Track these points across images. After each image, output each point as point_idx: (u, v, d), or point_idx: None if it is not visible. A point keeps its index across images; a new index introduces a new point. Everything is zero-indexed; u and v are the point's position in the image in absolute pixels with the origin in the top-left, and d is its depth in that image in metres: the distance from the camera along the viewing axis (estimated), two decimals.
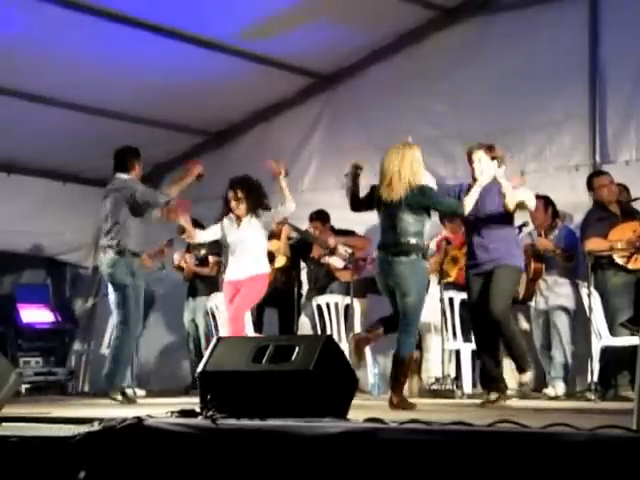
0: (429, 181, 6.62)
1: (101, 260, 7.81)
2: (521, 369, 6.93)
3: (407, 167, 6.47)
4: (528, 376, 7.03)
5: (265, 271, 7.85)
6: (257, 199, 7.76)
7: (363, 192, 6.84)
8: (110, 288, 7.80)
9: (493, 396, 6.79)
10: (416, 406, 6.40)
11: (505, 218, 6.81)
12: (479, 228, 6.81)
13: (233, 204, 7.74)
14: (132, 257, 7.69)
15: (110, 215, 7.72)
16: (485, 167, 6.78)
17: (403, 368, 6.51)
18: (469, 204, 6.60)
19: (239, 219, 7.79)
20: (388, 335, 6.78)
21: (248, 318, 8.41)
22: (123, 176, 7.82)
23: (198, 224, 9.74)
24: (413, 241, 6.46)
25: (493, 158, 6.82)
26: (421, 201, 6.47)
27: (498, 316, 6.66)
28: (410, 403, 6.45)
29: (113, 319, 8.02)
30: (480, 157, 6.80)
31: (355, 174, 6.81)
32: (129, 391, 8.18)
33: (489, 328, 6.76)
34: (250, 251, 7.75)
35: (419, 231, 6.50)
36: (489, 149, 6.84)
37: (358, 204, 6.85)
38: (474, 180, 6.79)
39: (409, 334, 6.54)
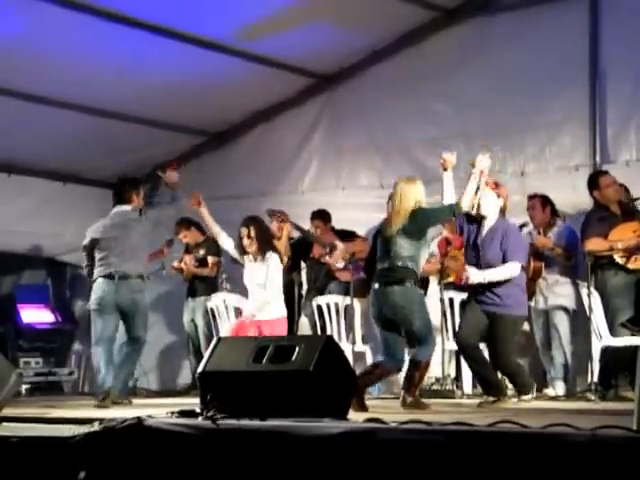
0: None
1: (117, 286, 7.71)
2: (521, 393, 7.00)
3: (405, 200, 6.52)
4: (528, 397, 7.02)
5: (282, 315, 7.66)
6: (266, 240, 7.73)
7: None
8: (130, 311, 7.79)
9: (492, 398, 6.81)
10: (429, 406, 6.45)
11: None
12: (485, 268, 6.87)
13: (246, 242, 7.65)
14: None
15: (127, 244, 7.76)
16: (491, 204, 6.88)
17: (419, 371, 6.58)
18: (467, 200, 6.53)
19: (254, 259, 7.71)
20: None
21: None
22: (125, 208, 7.88)
23: (193, 223, 9.76)
24: (408, 265, 6.46)
25: (499, 196, 6.93)
26: (415, 225, 6.49)
27: (506, 369, 6.99)
28: (423, 403, 6.50)
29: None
30: (486, 194, 6.85)
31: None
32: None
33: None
34: (264, 291, 7.62)
35: (413, 256, 6.49)
36: (495, 185, 6.90)
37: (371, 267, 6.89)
38: (481, 218, 6.91)
39: (427, 344, 6.61)
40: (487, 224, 6.94)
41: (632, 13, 8.62)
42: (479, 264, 6.90)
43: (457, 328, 7.66)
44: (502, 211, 6.98)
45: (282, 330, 7.67)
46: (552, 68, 8.92)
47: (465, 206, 6.55)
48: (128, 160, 8.93)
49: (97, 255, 7.83)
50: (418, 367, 6.57)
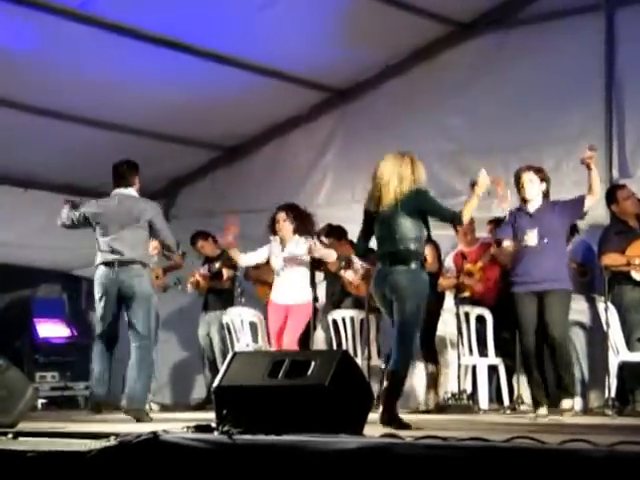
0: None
1: (116, 272, 7.37)
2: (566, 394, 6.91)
3: (398, 175, 6.09)
4: (569, 403, 6.94)
5: (309, 299, 7.99)
6: (304, 224, 7.98)
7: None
8: (132, 300, 7.37)
9: (544, 411, 6.78)
10: (409, 426, 5.75)
11: (557, 235, 6.93)
12: (533, 247, 6.90)
13: (281, 224, 7.98)
14: (148, 269, 7.52)
15: (127, 229, 7.47)
16: (535, 188, 7.00)
17: (396, 385, 6.00)
18: (467, 214, 6.19)
19: (283, 243, 7.98)
20: None
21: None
22: (128, 191, 7.61)
23: (210, 235, 9.78)
24: (412, 247, 6.05)
25: (542, 180, 7.01)
26: (416, 204, 6.08)
27: (558, 343, 6.93)
28: (403, 423, 5.83)
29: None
30: (531, 178, 6.97)
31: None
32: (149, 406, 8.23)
33: (541, 348, 6.94)
34: (295, 275, 7.94)
35: (418, 237, 6.09)
36: (538, 170, 7.00)
37: (364, 248, 6.60)
38: (524, 201, 7.02)
39: (405, 351, 6.00)
40: (532, 205, 7.05)
41: None
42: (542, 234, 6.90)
43: (485, 340, 7.94)
44: (545, 195, 7.06)
45: (306, 314, 7.98)
46: (568, 81, 8.92)
47: (466, 218, 6.21)
48: (143, 174, 8.92)
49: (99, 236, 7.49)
50: (394, 381, 5.98)
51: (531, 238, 6.91)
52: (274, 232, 8.05)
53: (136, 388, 7.21)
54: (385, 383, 6.03)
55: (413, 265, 6.04)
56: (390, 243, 6.11)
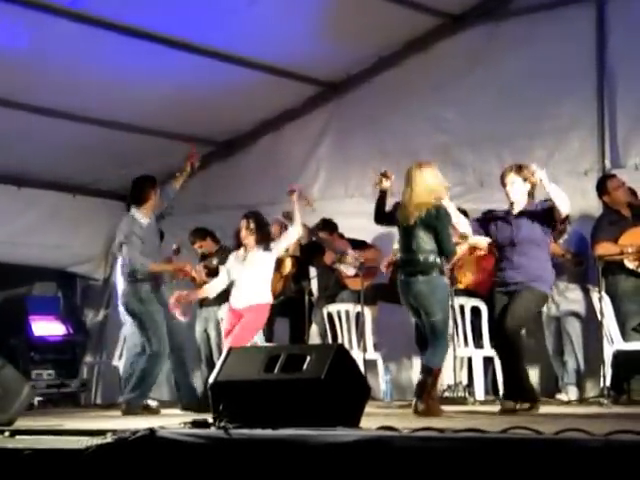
0: (460, 218, 6.74)
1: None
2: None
3: (420, 187, 6.61)
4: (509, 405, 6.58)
5: (266, 301, 7.79)
6: (266, 233, 7.86)
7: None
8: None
9: (525, 405, 6.54)
10: (443, 412, 6.42)
11: (538, 242, 6.71)
12: (512, 250, 6.70)
13: (244, 233, 7.80)
14: (139, 283, 7.82)
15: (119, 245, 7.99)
16: (518, 190, 6.71)
17: (431, 378, 6.52)
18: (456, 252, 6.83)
19: (246, 251, 7.82)
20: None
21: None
22: (132, 211, 7.98)
23: (208, 233, 9.78)
24: (430, 259, 6.52)
25: (525, 180, 6.68)
26: (432, 221, 6.53)
27: (509, 334, 6.56)
28: (436, 410, 6.39)
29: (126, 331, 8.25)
30: (513, 180, 6.71)
31: (381, 188, 6.89)
32: (151, 403, 8.30)
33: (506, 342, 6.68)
34: (252, 280, 7.72)
35: (435, 249, 6.55)
36: (519, 169, 6.73)
37: (381, 217, 6.94)
38: (511, 204, 6.77)
39: (440, 347, 6.61)
40: (517, 208, 6.75)
41: (639, 15, 8.61)
42: (513, 242, 6.68)
43: (480, 332, 7.94)
44: (530, 194, 6.76)
45: (262, 316, 7.80)
46: (560, 72, 8.92)
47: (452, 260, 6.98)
48: (137, 171, 8.95)
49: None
50: (430, 374, 6.53)
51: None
52: (238, 240, 7.86)
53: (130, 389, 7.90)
54: (420, 376, 6.57)
55: (433, 274, 6.55)
56: (410, 253, 6.60)
